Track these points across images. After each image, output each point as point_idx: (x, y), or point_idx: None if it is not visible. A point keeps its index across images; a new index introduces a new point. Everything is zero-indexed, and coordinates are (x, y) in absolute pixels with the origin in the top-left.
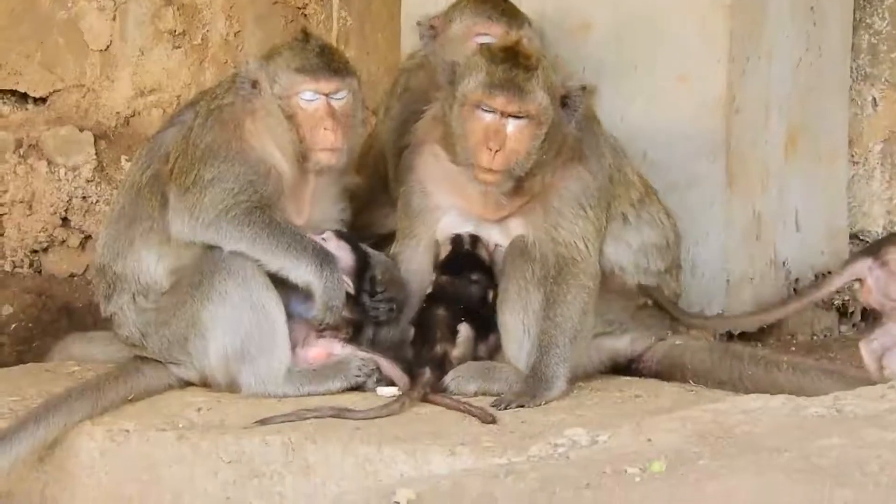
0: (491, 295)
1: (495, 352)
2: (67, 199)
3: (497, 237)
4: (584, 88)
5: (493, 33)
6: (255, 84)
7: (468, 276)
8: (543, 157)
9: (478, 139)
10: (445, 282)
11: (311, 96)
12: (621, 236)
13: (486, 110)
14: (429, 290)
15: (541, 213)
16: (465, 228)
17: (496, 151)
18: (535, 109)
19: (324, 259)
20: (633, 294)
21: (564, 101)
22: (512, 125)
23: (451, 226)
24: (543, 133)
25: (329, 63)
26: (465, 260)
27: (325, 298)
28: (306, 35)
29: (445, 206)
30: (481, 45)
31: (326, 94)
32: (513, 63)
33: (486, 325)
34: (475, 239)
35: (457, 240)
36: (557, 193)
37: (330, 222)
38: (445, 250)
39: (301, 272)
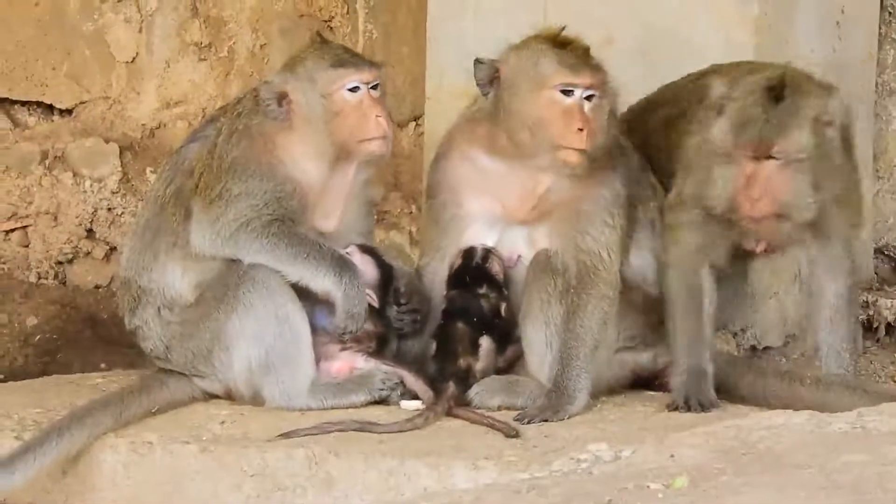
0: (504, 308)
1: (513, 363)
2: (93, 210)
3: (521, 245)
4: None
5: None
6: (281, 97)
7: (474, 291)
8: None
9: (562, 122)
10: (454, 295)
11: (355, 85)
12: (648, 245)
13: (566, 91)
14: (443, 306)
15: (567, 219)
16: (492, 236)
17: (584, 130)
18: (607, 82)
19: (343, 267)
20: (657, 308)
21: None
22: (592, 102)
23: (477, 236)
24: (609, 108)
25: (358, 55)
26: (473, 274)
27: (345, 306)
28: (322, 38)
29: (475, 212)
30: (532, 35)
31: (367, 84)
32: (574, 43)
33: (503, 337)
34: (487, 252)
35: (468, 252)
36: (585, 200)
37: (358, 230)
38: (457, 263)
39: (320, 280)
